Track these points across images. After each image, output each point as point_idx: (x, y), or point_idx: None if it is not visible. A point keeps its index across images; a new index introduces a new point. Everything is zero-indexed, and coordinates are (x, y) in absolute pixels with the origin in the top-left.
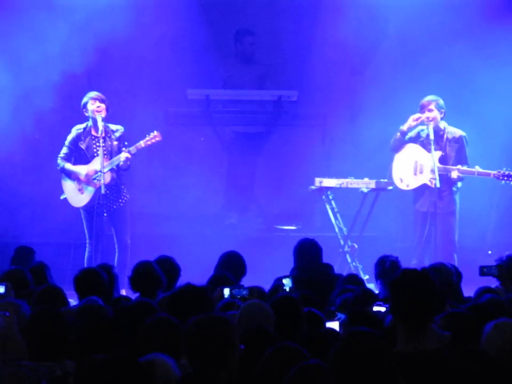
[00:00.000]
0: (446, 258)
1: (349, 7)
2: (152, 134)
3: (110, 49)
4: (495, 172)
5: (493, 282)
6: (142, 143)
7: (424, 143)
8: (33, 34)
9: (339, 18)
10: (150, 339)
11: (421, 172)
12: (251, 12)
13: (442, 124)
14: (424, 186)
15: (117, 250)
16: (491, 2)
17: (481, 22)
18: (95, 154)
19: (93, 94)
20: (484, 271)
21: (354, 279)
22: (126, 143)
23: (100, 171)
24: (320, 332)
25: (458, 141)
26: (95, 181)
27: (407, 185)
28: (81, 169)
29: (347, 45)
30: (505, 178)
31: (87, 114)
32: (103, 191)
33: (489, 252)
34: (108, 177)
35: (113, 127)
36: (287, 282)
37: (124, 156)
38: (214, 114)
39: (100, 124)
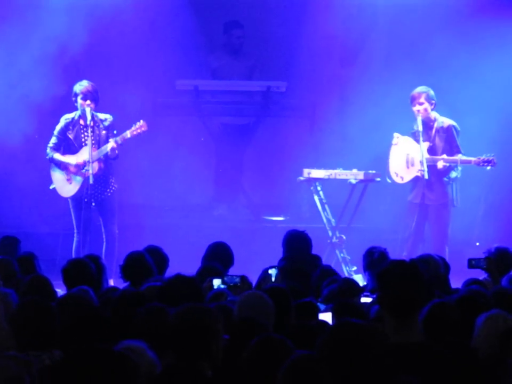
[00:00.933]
0: (437, 251)
1: None
2: (138, 123)
3: (99, 39)
4: (475, 159)
5: (481, 275)
6: (128, 133)
7: (416, 135)
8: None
9: (328, 10)
10: (143, 328)
11: (412, 165)
12: (240, 3)
13: (433, 115)
14: (416, 178)
15: (104, 240)
16: None
17: (471, 13)
18: (83, 144)
19: (84, 88)
20: (472, 263)
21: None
22: (115, 131)
23: (88, 161)
24: (311, 324)
25: (446, 130)
26: (83, 170)
27: (402, 179)
28: (70, 159)
29: (336, 36)
30: (485, 163)
31: (76, 104)
32: (91, 181)
33: (477, 244)
34: (95, 167)
35: (101, 116)
36: (273, 272)
37: (110, 145)
38: (203, 105)
39: (89, 114)
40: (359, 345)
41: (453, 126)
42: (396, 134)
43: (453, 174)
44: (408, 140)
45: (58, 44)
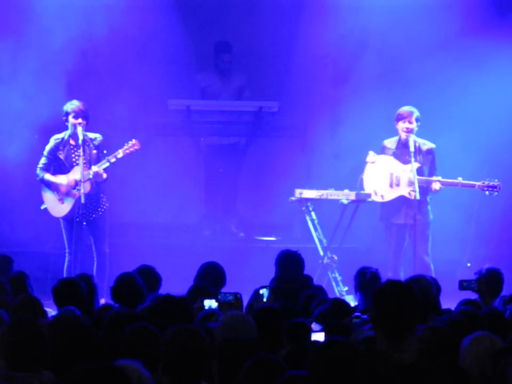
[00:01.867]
0: (423, 270)
1: (330, 18)
2: (130, 142)
3: (91, 59)
4: (479, 183)
5: (472, 296)
6: (120, 152)
7: (397, 154)
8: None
9: (320, 29)
10: (130, 347)
11: (397, 185)
12: (232, 22)
13: (414, 137)
14: (400, 198)
15: (95, 259)
16: (473, 12)
17: (463, 31)
18: (74, 164)
19: (76, 106)
20: (463, 285)
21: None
22: (104, 151)
23: (80, 180)
24: (304, 345)
25: (431, 152)
26: (75, 190)
27: (382, 197)
28: (62, 180)
29: (328, 55)
30: (490, 189)
31: (67, 124)
32: (82, 201)
33: (468, 264)
34: (87, 187)
35: (91, 135)
36: (264, 292)
37: (92, 171)
38: (195, 125)
39: (80, 133)
40: (347, 363)
41: (434, 148)
42: (371, 152)
43: (430, 195)
44: (389, 159)
45: (50, 62)
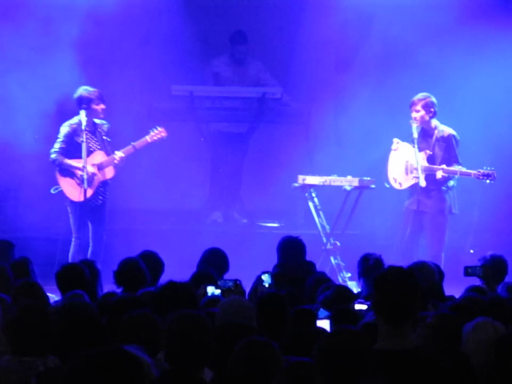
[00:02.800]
0: (433, 258)
1: (334, 5)
2: (156, 129)
3: (94, 44)
4: (475, 172)
5: (476, 282)
6: (147, 138)
7: (418, 142)
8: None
9: (324, 16)
10: (130, 333)
11: (411, 172)
12: (235, 9)
13: (434, 123)
14: (415, 185)
15: (91, 244)
16: (475, 1)
17: (466, 19)
18: (91, 149)
19: (95, 91)
20: (468, 271)
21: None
22: (108, 139)
23: (101, 164)
24: (310, 330)
25: (446, 140)
26: (96, 176)
27: (400, 185)
28: (82, 164)
29: (332, 42)
30: (485, 177)
31: (83, 107)
32: (85, 186)
33: (472, 251)
34: (111, 172)
35: (98, 121)
36: (265, 278)
37: (118, 156)
38: (198, 111)
39: (98, 120)
40: (355, 352)
41: (453, 135)
42: (395, 140)
43: (451, 183)
44: (408, 146)
45: (54, 48)
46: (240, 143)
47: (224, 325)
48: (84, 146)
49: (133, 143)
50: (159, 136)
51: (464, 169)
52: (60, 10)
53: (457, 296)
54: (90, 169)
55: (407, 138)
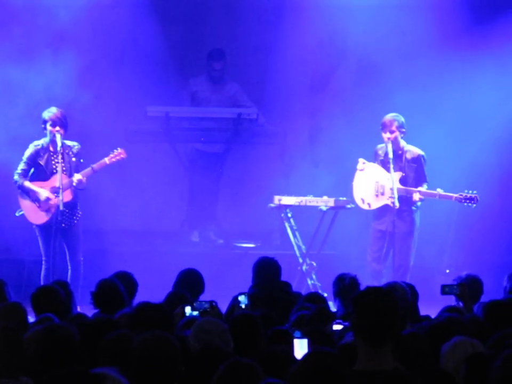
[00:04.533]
0: (401, 277)
1: (309, 25)
2: (116, 151)
3: (68, 63)
4: (456, 195)
5: (451, 302)
6: (106, 160)
7: (384, 162)
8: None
9: (299, 36)
10: (109, 355)
11: (382, 193)
12: (212, 29)
13: (402, 143)
14: (385, 206)
15: (69, 267)
16: (451, 14)
17: (443, 34)
18: (54, 171)
19: (53, 114)
20: (445, 290)
21: (316, 297)
22: (81, 160)
23: (59, 187)
24: (285, 350)
25: (416, 160)
26: (55, 198)
27: (369, 205)
28: (41, 189)
29: (307, 62)
30: (467, 201)
31: (45, 131)
32: (61, 208)
33: (447, 271)
34: (69, 195)
35: (69, 143)
36: (242, 299)
37: (77, 177)
38: (174, 131)
39: (59, 141)
40: (331, 375)
41: (422, 155)
42: (361, 160)
43: (419, 203)
44: (376, 167)
45: (29, 67)
46: (216, 163)
47: (200, 347)
48: (59, 167)
49: (92, 165)
50: (118, 157)
51: (443, 192)
52: (33, 30)
53: (432, 316)
54: (45, 193)
55: (372, 158)
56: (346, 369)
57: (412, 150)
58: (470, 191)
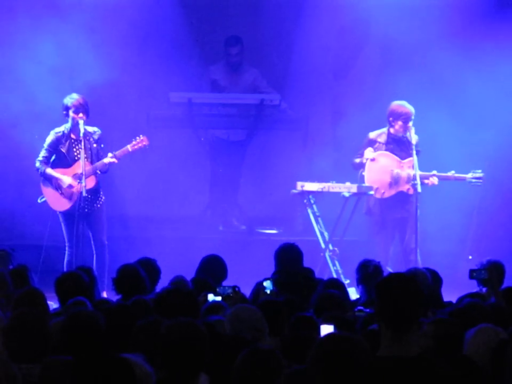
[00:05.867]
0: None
1: (332, 12)
2: (138, 138)
3: (92, 51)
4: (469, 176)
5: (474, 287)
6: (129, 147)
7: (392, 149)
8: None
9: (321, 23)
10: (142, 341)
11: (397, 181)
12: (233, 16)
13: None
14: (398, 194)
15: (94, 252)
16: (475, 5)
17: (465, 25)
18: (76, 158)
19: (76, 100)
20: (473, 274)
21: (335, 283)
22: (102, 145)
23: (82, 174)
24: (309, 335)
25: (418, 145)
26: (77, 184)
27: (383, 194)
28: (64, 176)
29: (329, 48)
30: (477, 179)
31: (67, 118)
32: (84, 194)
33: (470, 257)
34: (92, 181)
35: (90, 129)
36: (267, 284)
37: (107, 160)
38: (196, 117)
39: (82, 127)
40: (347, 357)
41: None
42: (369, 149)
43: (419, 188)
44: (387, 155)
45: (52, 54)
46: (238, 150)
47: (231, 335)
48: (82, 154)
49: (114, 153)
50: (140, 145)
51: (457, 174)
52: (58, 14)
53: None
54: (68, 180)
55: (365, 146)
56: (367, 354)
57: (412, 135)
58: (476, 171)
